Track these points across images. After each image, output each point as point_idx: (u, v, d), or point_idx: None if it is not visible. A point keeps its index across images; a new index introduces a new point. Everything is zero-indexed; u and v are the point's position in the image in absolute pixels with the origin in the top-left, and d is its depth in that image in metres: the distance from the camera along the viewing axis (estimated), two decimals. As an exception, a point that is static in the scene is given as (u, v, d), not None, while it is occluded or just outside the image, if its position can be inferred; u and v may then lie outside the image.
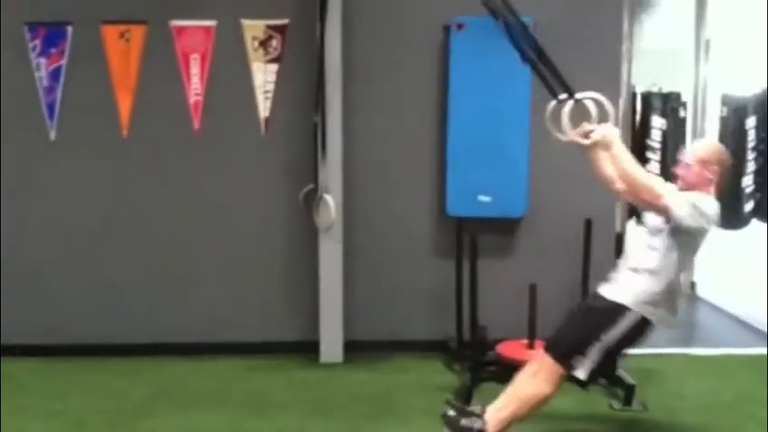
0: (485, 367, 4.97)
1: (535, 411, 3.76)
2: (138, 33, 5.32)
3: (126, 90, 5.34)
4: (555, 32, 5.27)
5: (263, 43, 5.36)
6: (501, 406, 3.77)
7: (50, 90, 5.36)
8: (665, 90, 6.19)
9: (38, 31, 5.31)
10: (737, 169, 5.94)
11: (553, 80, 4.05)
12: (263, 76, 5.38)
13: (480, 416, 3.74)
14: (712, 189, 3.82)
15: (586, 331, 3.74)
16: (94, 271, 5.49)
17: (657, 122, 6.11)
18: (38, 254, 5.47)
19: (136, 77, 5.34)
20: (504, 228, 5.48)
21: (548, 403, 3.79)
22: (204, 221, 5.48)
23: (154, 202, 5.47)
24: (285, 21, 5.35)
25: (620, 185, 3.89)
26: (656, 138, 6.12)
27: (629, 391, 4.62)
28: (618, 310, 3.71)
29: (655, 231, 3.76)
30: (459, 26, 5.23)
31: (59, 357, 5.39)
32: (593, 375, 3.77)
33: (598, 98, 3.93)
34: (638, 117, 6.16)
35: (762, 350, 5.52)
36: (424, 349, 5.48)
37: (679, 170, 3.88)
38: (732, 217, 6.07)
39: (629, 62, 5.22)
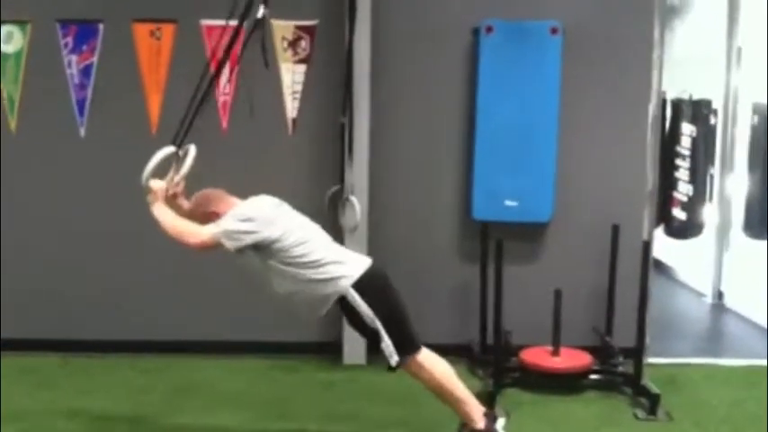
0: (508, 373, 4.96)
1: (451, 377, 4.01)
2: (168, 32, 5.35)
3: (156, 88, 5.37)
4: (585, 38, 5.27)
5: (292, 44, 5.37)
6: (455, 410, 4.05)
7: (81, 87, 5.40)
8: (696, 97, 6.14)
9: (69, 28, 5.36)
10: (767, 178, 5.90)
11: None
12: (292, 76, 5.40)
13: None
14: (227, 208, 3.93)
15: (362, 331, 3.90)
16: (121, 267, 5.52)
17: (687, 129, 6.07)
18: (68, 250, 5.51)
19: (166, 76, 5.37)
20: (530, 232, 5.45)
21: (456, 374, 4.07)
22: (230, 220, 5.48)
23: (180, 201, 5.49)
24: (314, 22, 5.36)
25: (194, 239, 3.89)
26: (685, 145, 6.08)
27: (655, 401, 4.58)
28: (341, 302, 3.84)
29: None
30: (489, 29, 5.22)
31: (84, 353, 5.42)
32: (403, 347, 3.87)
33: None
34: (668, 124, 6.11)
35: (790, 361, 5.46)
36: (447, 353, 5.37)
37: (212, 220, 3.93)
38: (760, 227, 6.02)
39: (660, 69, 5.18)
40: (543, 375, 4.93)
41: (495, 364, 4.87)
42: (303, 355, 5.45)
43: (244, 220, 3.81)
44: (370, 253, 5.32)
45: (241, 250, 3.82)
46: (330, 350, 5.44)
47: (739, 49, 6.88)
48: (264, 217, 3.86)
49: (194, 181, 5.21)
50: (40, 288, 5.48)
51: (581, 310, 5.36)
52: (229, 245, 3.79)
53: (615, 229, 5.20)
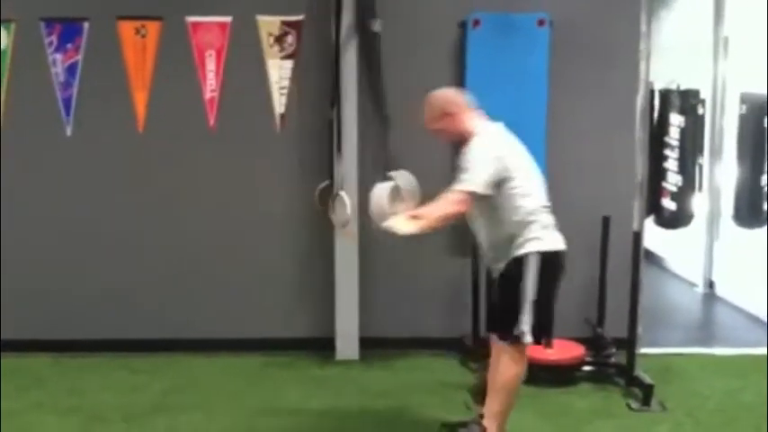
0: (501, 365, 4.94)
1: (516, 391, 3.89)
2: (153, 29, 5.31)
3: (142, 86, 5.34)
4: (573, 30, 5.26)
5: (279, 39, 5.34)
6: (490, 402, 3.90)
7: (66, 86, 5.36)
8: (684, 87, 6.14)
9: (54, 26, 5.32)
10: (756, 168, 5.90)
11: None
12: (279, 72, 5.37)
13: (477, 422, 3.91)
14: (472, 125, 3.85)
15: (508, 300, 3.81)
16: (110, 266, 5.50)
17: (676, 120, 6.06)
18: (56, 249, 5.48)
19: (151, 73, 5.33)
20: (521, 225, 5.44)
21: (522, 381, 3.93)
22: (219, 217, 5.47)
23: (169, 198, 5.47)
24: (300, 17, 5.33)
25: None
26: (674, 135, 6.07)
27: (648, 391, 4.58)
28: (516, 264, 3.77)
29: (488, 203, 3.76)
30: (476, 23, 5.21)
31: (76, 353, 5.39)
32: (538, 332, 3.80)
33: (404, 182, 4.13)
34: (656, 114, 6.11)
35: (781, 350, 5.47)
36: (439, 347, 5.46)
37: (440, 137, 3.98)
38: (751, 216, 6.03)
39: (648, 59, 5.16)
40: (536, 368, 4.90)
41: (488, 357, 4.85)
42: (296, 352, 5.44)
43: (488, 160, 3.71)
44: (361, 248, 5.32)
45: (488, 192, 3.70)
46: (323, 346, 5.42)
47: (726, 39, 6.89)
48: (502, 151, 3.78)
49: (183, 178, 5.22)
50: (28, 288, 5.45)
51: (573, 302, 5.35)
52: (483, 190, 3.67)
53: (605, 221, 5.20)
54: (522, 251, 3.77)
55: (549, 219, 3.89)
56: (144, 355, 5.38)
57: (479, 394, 4.45)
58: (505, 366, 3.86)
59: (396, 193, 4.05)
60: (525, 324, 3.75)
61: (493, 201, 3.74)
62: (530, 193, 3.82)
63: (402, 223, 3.73)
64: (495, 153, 3.76)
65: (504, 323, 3.84)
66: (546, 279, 3.79)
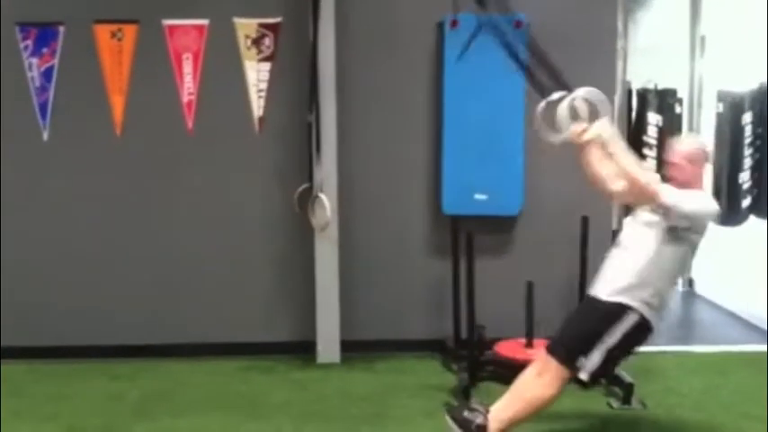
0: (483, 366, 4.94)
1: (537, 413, 3.74)
2: (130, 32, 5.28)
3: (119, 90, 5.31)
4: (549, 30, 5.24)
5: (256, 42, 5.32)
6: (504, 406, 3.75)
7: (43, 90, 5.32)
8: (661, 86, 6.17)
9: (29, 31, 5.27)
10: (734, 166, 5.94)
11: (546, 78, 3.96)
12: (257, 74, 5.35)
13: (483, 412, 3.72)
14: (702, 185, 3.83)
15: (590, 332, 3.71)
16: (88, 272, 5.46)
17: (653, 119, 6.10)
18: (34, 255, 5.43)
19: (128, 77, 5.30)
20: (501, 226, 5.45)
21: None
22: (199, 221, 5.44)
23: (147, 203, 5.44)
24: (278, 19, 5.32)
25: (614, 187, 3.81)
26: (652, 134, 6.11)
27: (628, 390, 4.59)
28: (620, 309, 3.68)
29: (650, 225, 3.73)
30: (453, 23, 5.20)
31: (54, 360, 5.35)
32: (596, 377, 3.74)
33: (592, 95, 3.83)
34: (633, 114, 6.14)
35: (761, 347, 5.50)
36: (421, 349, 5.45)
37: (671, 171, 3.83)
38: (730, 213, 6.06)
39: (625, 59, 5.21)
40: (518, 368, 4.88)
41: (469, 359, 4.87)
42: (277, 355, 5.42)
43: (699, 209, 3.70)
44: (341, 250, 5.32)
45: (670, 226, 3.66)
46: (304, 349, 5.41)
47: (703, 38, 6.93)
48: (707, 221, 3.78)
49: (161, 181, 5.18)
50: (4, 294, 5.38)
51: (553, 302, 5.36)
52: (666, 208, 3.61)
53: (585, 221, 5.21)
54: (630, 302, 3.68)
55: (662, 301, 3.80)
56: (123, 361, 5.34)
57: (461, 395, 4.47)
58: (540, 382, 3.72)
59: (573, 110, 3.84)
60: (591, 363, 3.67)
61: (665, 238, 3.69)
62: (678, 272, 3.81)
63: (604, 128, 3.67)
64: (709, 212, 3.76)
65: (571, 347, 3.71)
66: (629, 341, 3.71)
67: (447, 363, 5.27)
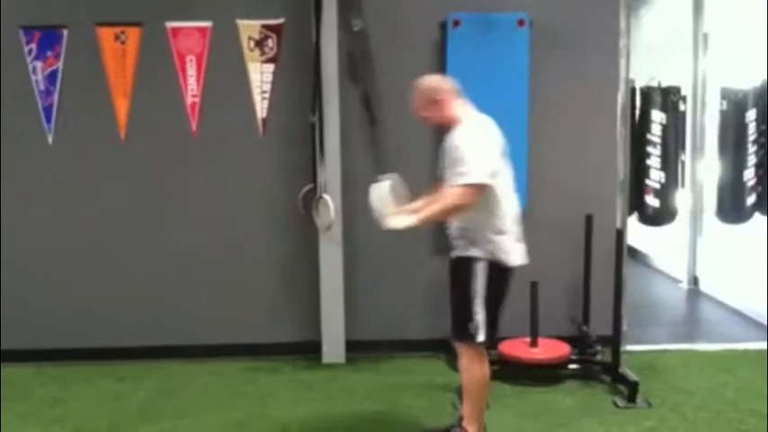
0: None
1: (485, 390, 3.94)
2: (133, 35, 5.29)
3: (123, 92, 5.32)
4: (552, 29, 5.28)
5: (259, 43, 5.33)
6: (465, 408, 3.96)
7: (47, 93, 5.34)
8: (665, 84, 6.16)
9: (33, 34, 5.29)
10: (738, 163, 5.93)
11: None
12: (260, 76, 5.36)
13: (458, 425, 3.97)
14: (454, 111, 3.88)
15: (460, 299, 3.84)
16: (93, 274, 5.47)
17: (657, 117, 6.08)
18: (37, 258, 5.45)
19: (132, 79, 5.32)
20: (505, 225, 5.44)
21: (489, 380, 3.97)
22: (204, 223, 5.46)
23: (153, 204, 5.45)
24: (281, 20, 5.32)
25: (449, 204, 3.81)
26: (656, 132, 6.09)
27: (633, 388, 4.59)
28: (467, 262, 3.79)
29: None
30: (456, 23, 5.21)
31: (59, 362, 5.37)
32: (491, 330, 3.82)
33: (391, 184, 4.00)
34: (637, 112, 6.13)
35: (764, 345, 5.49)
36: (426, 348, 5.46)
37: (425, 118, 3.96)
38: (734, 211, 6.06)
39: (628, 57, 5.17)
40: (522, 367, 4.95)
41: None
42: (282, 356, 5.43)
43: (481, 150, 3.73)
44: (346, 251, 5.32)
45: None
46: (309, 350, 5.42)
47: (706, 35, 6.92)
48: (490, 143, 3.81)
49: (165, 183, 5.19)
50: (9, 297, 5.42)
51: (557, 301, 5.38)
52: (488, 180, 3.69)
53: (588, 219, 5.21)
54: (470, 253, 3.79)
55: (517, 230, 3.90)
56: (129, 363, 5.36)
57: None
58: (466, 369, 3.90)
59: (393, 192, 4.01)
60: (478, 321, 3.78)
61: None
62: (504, 199, 3.82)
63: (401, 219, 3.82)
64: (486, 142, 3.79)
65: (457, 322, 3.86)
66: (492, 286, 3.80)
67: (452, 362, 5.25)
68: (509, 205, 3.85)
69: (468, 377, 3.90)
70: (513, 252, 3.84)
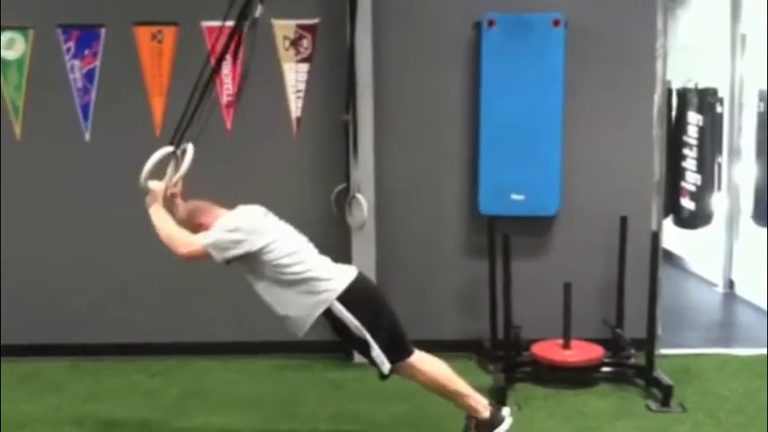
0: (519, 368, 4.94)
1: (443, 372, 3.94)
2: (169, 34, 5.34)
3: (159, 91, 5.37)
4: (588, 29, 5.25)
5: (294, 43, 5.35)
6: (457, 404, 3.99)
7: (85, 91, 5.40)
8: (701, 86, 6.11)
9: (71, 33, 5.36)
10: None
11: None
12: (295, 75, 5.38)
13: (468, 417, 3.99)
14: (214, 217, 3.95)
15: (352, 343, 3.92)
16: (129, 269, 5.52)
17: (694, 119, 6.03)
18: (74, 252, 5.52)
19: (168, 78, 5.36)
20: (538, 226, 5.42)
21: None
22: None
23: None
24: (316, 20, 5.34)
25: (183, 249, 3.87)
26: (692, 134, 6.05)
27: (667, 392, 4.55)
28: (328, 314, 3.82)
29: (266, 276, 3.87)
30: (491, 23, 5.19)
31: (93, 357, 5.43)
32: (393, 354, 3.84)
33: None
34: (674, 113, 6.08)
35: (802, 350, 5.42)
36: (457, 349, 5.42)
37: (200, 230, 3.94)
38: (771, 214, 5.99)
39: (665, 58, 5.15)
40: (555, 369, 4.91)
41: (506, 359, 4.86)
42: (313, 355, 5.44)
43: (231, 230, 3.80)
44: (378, 250, 5.32)
45: (229, 261, 3.83)
46: (339, 349, 5.42)
47: (743, 36, 6.85)
48: (252, 226, 3.85)
49: (200, 182, 5.20)
50: (45, 292, 5.49)
51: (591, 303, 5.34)
52: (217, 256, 3.80)
53: (623, 221, 5.17)
54: (322, 308, 3.80)
55: (324, 265, 3.91)
56: (161, 359, 5.40)
57: (497, 395, 4.46)
58: (415, 380, 3.95)
59: (174, 162, 4.06)
60: (379, 357, 3.81)
61: (259, 271, 3.84)
62: (297, 255, 3.86)
63: (157, 201, 3.93)
64: (237, 226, 3.83)
65: (369, 359, 3.87)
66: (362, 308, 3.81)
67: (483, 363, 5.26)
68: (304, 263, 3.85)
69: (425, 385, 3.95)
70: (340, 278, 3.85)
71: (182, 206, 4.09)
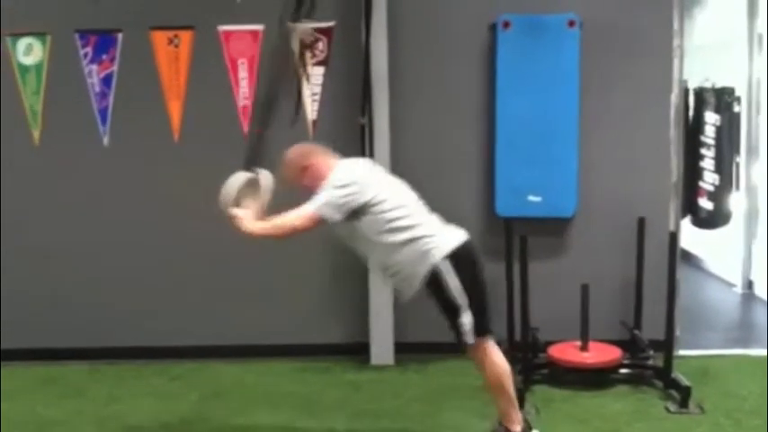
0: (537, 369, 4.93)
1: (507, 380, 3.89)
2: (186, 39, 5.37)
3: (176, 95, 5.40)
4: (604, 29, 5.23)
5: (310, 46, 5.37)
6: (500, 407, 3.94)
7: (102, 96, 5.43)
8: (719, 85, 6.08)
9: (88, 38, 5.39)
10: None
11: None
12: (311, 78, 5.39)
13: (499, 423, 3.96)
14: (324, 172, 3.89)
15: (444, 310, 3.82)
16: (149, 273, 5.56)
17: (711, 118, 6.01)
18: (94, 257, 5.56)
19: (185, 82, 5.39)
20: (555, 228, 5.42)
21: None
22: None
23: (208, 206, 5.49)
24: (331, 23, 5.36)
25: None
26: (709, 134, 6.02)
27: (686, 394, 4.53)
28: (431, 275, 3.75)
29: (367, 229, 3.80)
30: (506, 24, 5.20)
31: (113, 360, 5.47)
32: (481, 328, 3.80)
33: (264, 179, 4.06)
34: (691, 113, 6.05)
35: (822, 350, 5.39)
36: (475, 351, 5.43)
37: (303, 187, 3.94)
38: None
39: (681, 57, 5.13)
40: (572, 371, 4.91)
41: (523, 361, 4.85)
42: (332, 357, 5.46)
43: (342, 186, 3.76)
44: (394, 253, 5.32)
45: (342, 220, 3.77)
46: (358, 351, 5.44)
47: (761, 35, 6.81)
48: (361, 177, 3.82)
49: (219, 185, 5.23)
50: (65, 296, 5.53)
51: (608, 304, 5.33)
52: (332, 215, 3.74)
53: (641, 222, 5.15)
54: (427, 266, 3.74)
55: (434, 222, 3.89)
56: (181, 362, 5.43)
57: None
58: (481, 370, 3.90)
59: (251, 187, 4.05)
60: (466, 326, 3.75)
61: (369, 227, 3.77)
62: (406, 208, 3.83)
63: (245, 220, 3.89)
64: (350, 180, 3.78)
65: (452, 332, 3.84)
66: (466, 275, 3.77)
67: (501, 365, 5.25)
68: (411, 217, 3.82)
69: (487, 375, 3.89)
70: (450, 237, 3.83)
71: (288, 154, 4.04)
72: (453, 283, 3.74)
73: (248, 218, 3.93)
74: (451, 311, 3.78)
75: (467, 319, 3.75)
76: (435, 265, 3.74)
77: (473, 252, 3.88)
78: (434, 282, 3.76)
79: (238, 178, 4.03)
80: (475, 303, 3.77)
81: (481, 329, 3.80)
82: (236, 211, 3.94)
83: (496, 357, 3.88)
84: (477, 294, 3.81)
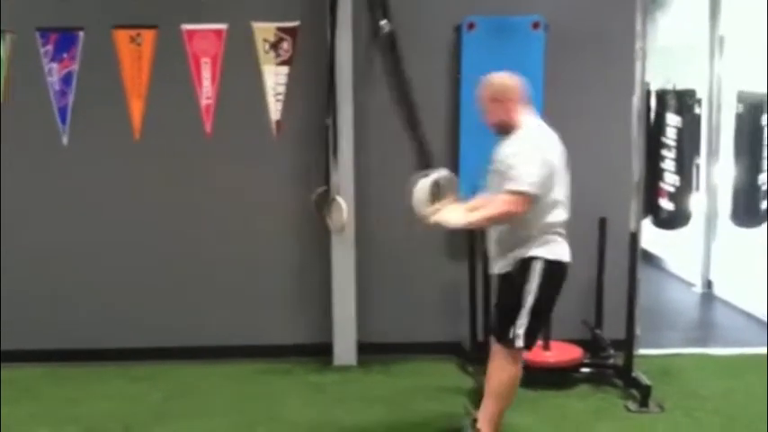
0: (499, 369, 4.95)
1: (511, 393, 3.93)
2: (149, 37, 5.32)
3: (138, 94, 5.35)
4: (568, 31, 5.27)
5: (274, 46, 5.35)
6: (486, 408, 3.95)
7: (63, 95, 5.37)
8: (680, 87, 6.14)
9: (49, 36, 5.32)
10: (753, 167, 5.91)
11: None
12: (275, 78, 5.38)
13: (472, 426, 3.98)
14: (516, 116, 3.85)
15: (509, 299, 3.83)
16: (107, 275, 5.50)
17: (672, 120, 6.06)
18: (48, 258, 5.48)
19: (147, 81, 5.34)
20: (518, 228, 5.43)
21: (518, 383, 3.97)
22: (217, 225, 5.47)
23: (166, 206, 5.47)
24: (296, 23, 5.34)
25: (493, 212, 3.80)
26: (671, 135, 6.07)
27: (646, 392, 4.58)
28: (528, 262, 3.77)
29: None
30: (471, 26, 5.21)
31: (71, 363, 5.39)
32: (531, 335, 3.82)
33: (444, 178, 4.03)
34: (652, 115, 6.11)
35: (780, 349, 5.47)
36: (437, 351, 5.46)
37: (484, 116, 3.94)
38: (748, 215, 6.03)
39: (643, 60, 5.17)
40: (535, 370, 4.92)
41: (485, 362, 4.85)
42: (294, 358, 5.44)
43: (542, 164, 3.72)
44: (358, 253, 5.33)
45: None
46: (321, 352, 5.43)
47: (722, 38, 6.89)
48: (548, 156, 3.79)
49: (181, 183, 5.20)
50: (22, 297, 5.45)
51: (570, 304, 5.30)
52: (540, 192, 3.69)
53: (602, 222, 5.20)
54: (531, 253, 3.77)
55: (564, 230, 3.90)
56: (142, 364, 5.38)
57: (478, 398, 4.47)
58: (498, 369, 3.90)
59: (435, 189, 3.99)
60: (521, 328, 3.77)
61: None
62: (561, 205, 3.84)
63: (452, 214, 3.80)
64: (543, 155, 3.76)
65: (501, 324, 3.87)
66: (548, 287, 3.80)
67: (463, 365, 5.28)
68: (562, 210, 3.85)
69: (500, 376, 3.89)
70: (566, 252, 3.86)
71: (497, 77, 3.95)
72: (532, 286, 3.76)
73: (457, 210, 3.85)
74: (510, 312, 3.80)
75: (524, 320, 3.77)
76: (535, 258, 3.76)
77: (563, 275, 3.88)
78: (524, 271, 3.77)
79: (426, 182, 3.97)
80: (538, 315, 3.80)
81: (530, 338, 3.82)
82: (436, 210, 3.87)
83: (517, 368, 3.90)
84: (544, 309, 3.87)
